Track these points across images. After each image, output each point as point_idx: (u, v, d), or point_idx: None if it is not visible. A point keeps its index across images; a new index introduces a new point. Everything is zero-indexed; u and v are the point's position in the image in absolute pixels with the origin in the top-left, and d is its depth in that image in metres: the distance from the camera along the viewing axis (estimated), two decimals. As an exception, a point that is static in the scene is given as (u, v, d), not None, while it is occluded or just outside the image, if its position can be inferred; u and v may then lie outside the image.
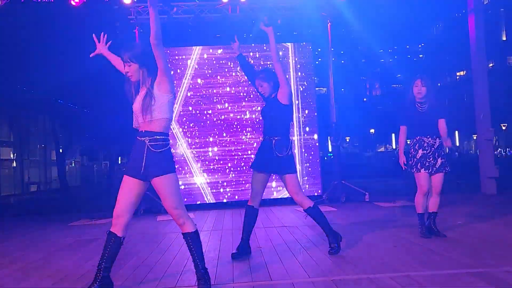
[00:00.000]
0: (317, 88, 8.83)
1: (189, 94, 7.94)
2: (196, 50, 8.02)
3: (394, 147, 45.38)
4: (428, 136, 4.19)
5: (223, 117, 7.95)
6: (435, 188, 4.22)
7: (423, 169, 4.17)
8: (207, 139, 7.90)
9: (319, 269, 3.28)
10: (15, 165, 21.83)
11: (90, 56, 3.27)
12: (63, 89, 13.96)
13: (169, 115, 2.82)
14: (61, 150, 17.52)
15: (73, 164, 28.51)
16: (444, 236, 4.15)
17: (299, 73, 8.15)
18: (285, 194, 7.79)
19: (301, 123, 8.07)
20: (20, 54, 12.33)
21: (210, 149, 7.89)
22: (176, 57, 7.96)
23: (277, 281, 3.00)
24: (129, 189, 2.78)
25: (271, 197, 7.78)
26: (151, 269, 3.49)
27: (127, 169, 2.85)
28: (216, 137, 7.91)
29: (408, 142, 4.37)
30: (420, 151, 4.19)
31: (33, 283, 3.21)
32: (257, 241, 4.40)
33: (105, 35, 3.26)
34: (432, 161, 4.17)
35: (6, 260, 4.10)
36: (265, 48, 8.12)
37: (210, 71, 7.99)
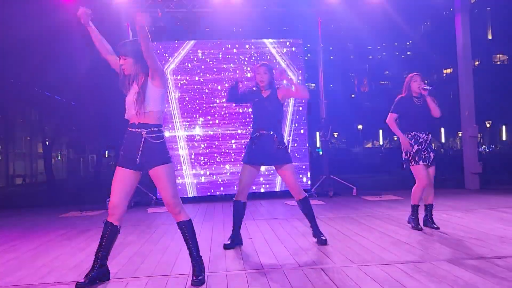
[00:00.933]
0: (306, 84, 8.94)
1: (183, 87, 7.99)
2: (190, 44, 8.04)
3: (381, 143, 45.92)
4: (423, 132, 4.32)
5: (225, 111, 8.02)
6: (429, 182, 4.35)
7: (421, 161, 4.28)
8: (204, 132, 7.97)
9: (309, 258, 3.40)
10: (0, 158, 21.56)
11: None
12: (50, 82, 13.84)
13: (162, 108, 2.94)
14: (47, 143, 17.35)
15: (59, 157, 28.25)
16: (438, 228, 4.31)
17: (290, 69, 8.24)
18: (273, 187, 7.93)
19: (290, 118, 8.18)
20: (6, 47, 12.18)
21: (213, 142, 7.96)
22: (166, 53, 7.97)
23: (268, 269, 3.12)
24: (124, 180, 2.87)
25: (260, 191, 7.90)
26: (145, 258, 3.57)
27: (121, 160, 2.92)
28: (219, 129, 7.98)
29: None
30: (416, 146, 4.30)
31: (28, 272, 3.27)
32: (248, 233, 4.51)
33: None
34: (427, 155, 4.30)
35: (0, 250, 4.13)
36: (252, 41, 8.20)
37: (196, 65, 8.04)
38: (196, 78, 7.99)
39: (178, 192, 2.93)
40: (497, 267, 2.94)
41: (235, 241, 3.89)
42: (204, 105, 8.01)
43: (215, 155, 7.94)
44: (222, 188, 7.93)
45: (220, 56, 8.07)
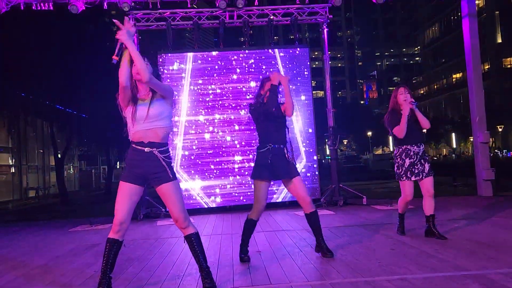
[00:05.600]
0: (314, 92, 8.91)
1: (191, 98, 8.02)
2: (190, 57, 8.09)
3: (391, 149, 45.54)
4: (414, 145, 4.29)
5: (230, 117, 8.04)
6: (428, 192, 4.29)
7: (413, 176, 4.27)
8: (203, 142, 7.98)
9: (317, 272, 3.35)
10: (13, 171, 21.83)
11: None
12: (62, 95, 14.01)
13: (171, 124, 2.99)
14: (59, 156, 17.51)
15: (71, 169, 28.52)
16: (445, 238, 4.22)
17: (297, 78, 8.22)
18: (282, 197, 7.88)
19: (298, 127, 8.14)
20: (19, 60, 12.38)
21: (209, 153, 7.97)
22: (176, 63, 8.03)
23: (276, 284, 3.07)
24: (131, 195, 2.86)
25: (270, 201, 7.86)
26: (152, 273, 3.55)
27: (127, 175, 2.87)
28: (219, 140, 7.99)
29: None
30: (407, 160, 4.29)
31: (37, 289, 3.27)
32: (256, 245, 4.47)
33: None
34: (421, 167, 4.28)
35: (9, 266, 4.15)
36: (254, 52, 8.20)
37: (207, 75, 8.08)
38: (196, 88, 8.01)
39: (185, 207, 2.94)
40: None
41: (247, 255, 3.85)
42: (209, 116, 8.03)
43: (205, 168, 7.90)
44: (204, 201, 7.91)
45: (227, 65, 8.11)
